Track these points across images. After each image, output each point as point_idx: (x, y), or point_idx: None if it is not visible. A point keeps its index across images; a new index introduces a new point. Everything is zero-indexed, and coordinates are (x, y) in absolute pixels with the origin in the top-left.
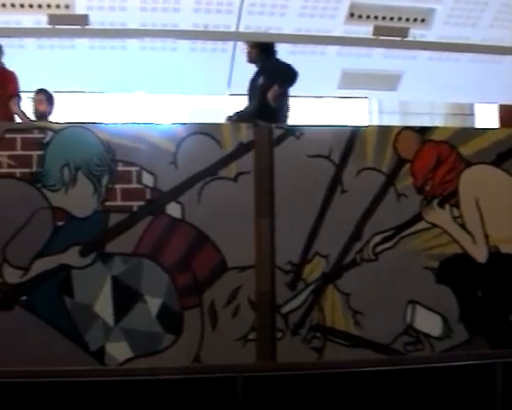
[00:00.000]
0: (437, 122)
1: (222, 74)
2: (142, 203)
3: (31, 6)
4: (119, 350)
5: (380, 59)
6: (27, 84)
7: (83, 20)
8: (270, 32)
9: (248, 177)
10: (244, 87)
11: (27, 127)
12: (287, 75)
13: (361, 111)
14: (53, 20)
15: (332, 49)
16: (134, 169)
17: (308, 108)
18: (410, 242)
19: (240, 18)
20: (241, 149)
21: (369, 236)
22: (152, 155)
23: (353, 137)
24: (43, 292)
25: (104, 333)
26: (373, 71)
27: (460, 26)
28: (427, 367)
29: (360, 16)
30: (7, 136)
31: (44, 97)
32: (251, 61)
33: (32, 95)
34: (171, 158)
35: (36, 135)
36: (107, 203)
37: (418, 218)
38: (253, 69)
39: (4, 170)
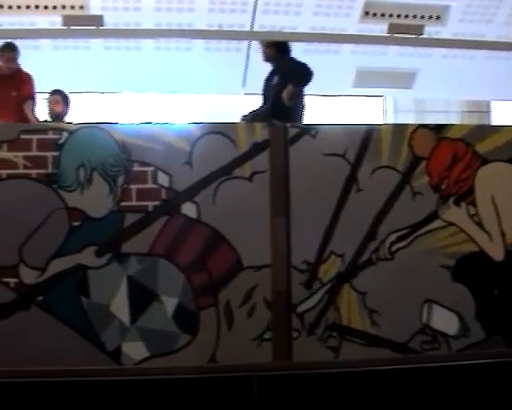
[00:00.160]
0: (453, 120)
1: (236, 74)
2: (157, 203)
3: (45, 7)
4: (135, 350)
5: (395, 57)
6: (42, 85)
7: (97, 20)
8: (285, 31)
9: (263, 176)
10: (259, 86)
11: (43, 128)
12: (302, 74)
13: (376, 110)
14: (68, 21)
15: (347, 48)
16: (149, 169)
17: (323, 107)
18: (425, 240)
19: (254, 17)
20: (256, 149)
21: (384, 235)
22: (167, 155)
23: (369, 136)
24: (59, 292)
25: (120, 333)
26: (388, 69)
27: (475, 22)
28: (443, 366)
29: (375, 14)
30: (22, 137)
31: (60, 98)
32: (267, 60)
33: (47, 96)
34: (186, 158)
35: (51, 136)
36: (123, 203)
37: (434, 216)
38: (267, 68)
39: (20, 171)
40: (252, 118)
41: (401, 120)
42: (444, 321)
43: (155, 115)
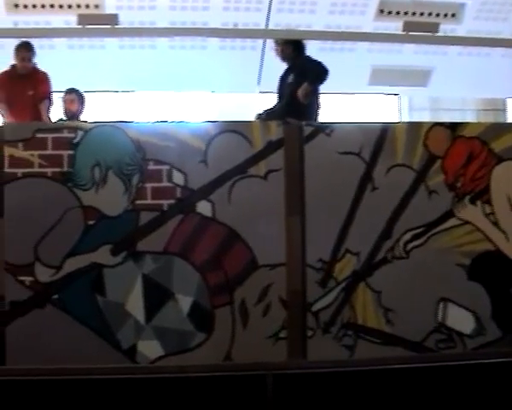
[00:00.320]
0: (468, 118)
1: (251, 72)
2: (172, 202)
3: (61, 6)
4: (150, 348)
5: (410, 55)
6: (58, 84)
7: (112, 19)
8: (300, 29)
9: (278, 175)
10: (274, 85)
11: (58, 127)
12: (317, 73)
13: (391, 108)
14: (83, 20)
15: (362, 46)
16: (164, 168)
17: (338, 106)
18: (441, 239)
19: (269, 15)
20: (271, 147)
21: (399, 233)
22: (182, 154)
23: (384, 134)
24: (74, 290)
25: (135, 331)
26: (403, 67)
27: (490, 20)
28: (458, 365)
29: (390, 12)
30: (38, 136)
31: (75, 97)
32: (284, 58)
33: (62, 95)
34: (201, 156)
35: (66, 135)
36: (138, 202)
37: (449, 215)
38: (282, 67)
39: (36, 170)
40: (267, 116)
41: (416, 119)
42: (459, 320)
43: (170, 114)
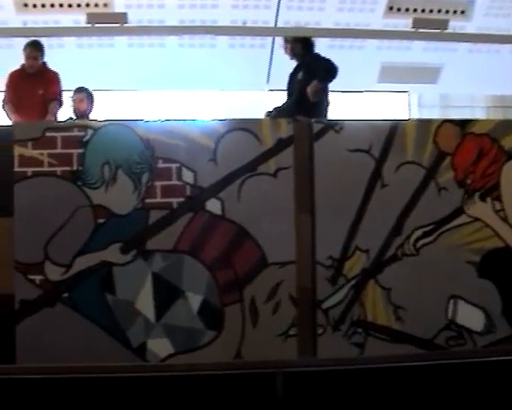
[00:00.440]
0: (478, 115)
1: (261, 70)
2: (182, 200)
3: (70, 5)
4: (160, 347)
5: (419, 52)
6: (67, 83)
7: (121, 18)
8: (309, 26)
9: (288, 172)
10: (283, 82)
11: (67, 126)
12: (327, 70)
13: (401, 105)
14: (92, 18)
15: (371, 43)
16: (174, 166)
17: (348, 103)
18: (451, 236)
19: (278, 13)
20: (281, 145)
21: (409, 230)
22: (191, 152)
23: (393, 132)
24: (84, 289)
25: (145, 330)
26: (412, 64)
27: (500, 17)
28: (469, 362)
29: (399, 9)
30: (47, 134)
31: (84, 96)
32: (293, 56)
33: (71, 94)
34: (210, 154)
35: (76, 133)
36: (148, 200)
37: (459, 212)
38: (291, 64)
39: (45, 168)
40: (276, 114)
41: (426, 116)
42: (469, 317)
43: (179, 112)
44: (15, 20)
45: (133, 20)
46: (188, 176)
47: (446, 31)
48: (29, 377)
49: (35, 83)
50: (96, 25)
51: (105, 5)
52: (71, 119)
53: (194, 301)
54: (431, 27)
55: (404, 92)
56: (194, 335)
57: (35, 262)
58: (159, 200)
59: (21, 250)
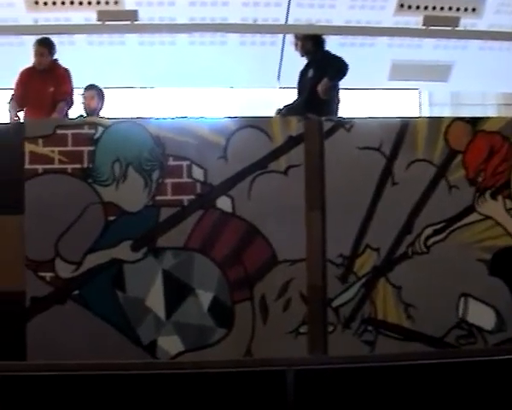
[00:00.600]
0: (489, 113)
1: (271, 67)
2: (192, 197)
3: (80, 3)
4: (170, 344)
5: (430, 50)
6: (77, 81)
7: (132, 15)
8: (320, 24)
9: (298, 170)
10: (294, 80)
11: (78, 123)
12: (337, 68)
13: (412, 103)
14: (102, 16)
15: (382, 41)
16: (184, 163)
17: (358, 101)
18: (462, 234)
19: (289, 10)
20: (291, 143)
21: (420, 228)
22: (202, 150)
23: (404, 129)
24: (95, 286)
25: (156, 327)
26: (423, 62)
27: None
28: (479, 361)
29: (410, 7)
30: (58, 132)
31: (95, 93)
32: (303, 53)
33: (82, 91)
34: (221, 152)
35: (86, 131)
36: (158, 198)
37: (470, 210)
38: (302, 62)
39: (56, 166)
40: (287, 112)
41: (437, 114)
42: (480, 315)
43: (190, 110)
44: (26, 17)
45: (144, 17)
46: (198, 173)
47: (457, 28)
48: (39, 374)
49: (45, 80)
50: (107, 22)
51: (115, 3)
52: (81, 116)
53: (205, 298)
54: (442, 25)
55: (414, 90)
56: (204, 332)
57: (46, 259)
58: (169, 197)
59: (32, 247)
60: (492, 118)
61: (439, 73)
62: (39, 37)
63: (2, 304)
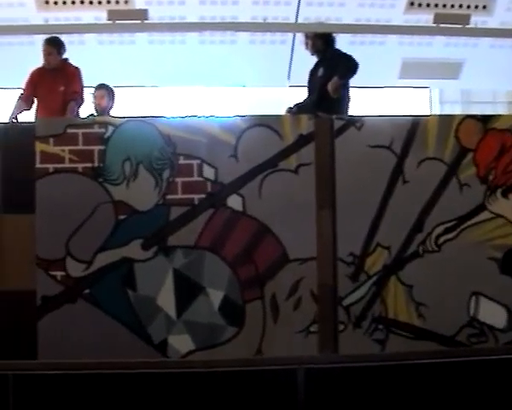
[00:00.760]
0: (500, 111)
1: (281, 66)
2: (203, 196)
3: (91, 2)
4: (181, 343)
5: (440, 47)
6: (88, 80)
7: (142, 14)
8: (330, 22)
9: (309, 168)
10: (304, 78)
11: (89, 122)
12: (348, 66)
13: (422, 101)
14: (112, 15)
15: (392, 39)
16: (195, 162)
17: (369, 99)
18: (473, 232)
19: (299, 9)
20: (302, 141)
21: (431, 227)
22: (212, 148)
23: (414, 128)
24: (106, 285)
25: (166, 326)
26: (434, 60)
27: None
28: (490, 359)
29: (420, 4)
30: (69, 131)
31: (105, 92)
32: (313, 52)
33: (92, 90)
34: (231, 151)
35: (97, 130)
36: (169, 197)
37: (481, 208)
38: (312, 60)
39: (66, 165)
40: (297, 110)
41: (447, 112)
42: (491, 314)
43: (200, 109)
44: (37, 17)
45: (154, 16)
46: (209, 172)
47: (468, 26)
48: (50, 373)
49: (56, 79)
50: (117, 21)
51: (126, 2)
52: (92, 115)
53: (216, 297)
54: (452, 22)
55: (425, 88)
56: (215, 331)
57: (56, 258)
58: (180, 196)
59: (43, 247)
60: (503, 116)
61: (449, 70)
62: (49, 36)
63: (13, 303)
